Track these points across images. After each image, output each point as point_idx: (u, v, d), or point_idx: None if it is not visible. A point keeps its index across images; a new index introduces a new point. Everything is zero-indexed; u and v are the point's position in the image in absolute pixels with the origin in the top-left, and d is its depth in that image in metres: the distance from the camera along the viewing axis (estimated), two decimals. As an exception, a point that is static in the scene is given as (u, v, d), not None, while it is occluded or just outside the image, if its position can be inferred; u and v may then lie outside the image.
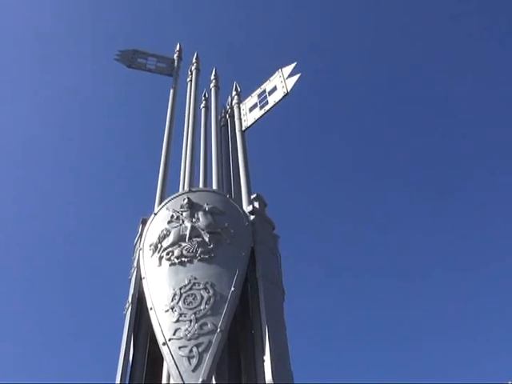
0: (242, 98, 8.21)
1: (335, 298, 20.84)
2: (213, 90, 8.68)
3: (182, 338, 4.48)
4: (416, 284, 19.86)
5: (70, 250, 21.71)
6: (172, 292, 4.88)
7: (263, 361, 4.45)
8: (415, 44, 22.20)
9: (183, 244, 5.31)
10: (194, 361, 4.30)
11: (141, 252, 5.57)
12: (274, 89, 7.63)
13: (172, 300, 4.81)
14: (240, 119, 7.77)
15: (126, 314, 5.23)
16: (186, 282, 4.93)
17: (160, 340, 4.56)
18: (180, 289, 4.88)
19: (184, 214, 5.67)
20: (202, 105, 8.54)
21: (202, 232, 5.38)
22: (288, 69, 7.68)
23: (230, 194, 6.62)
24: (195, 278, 4.95)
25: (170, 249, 5.33)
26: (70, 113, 21.84)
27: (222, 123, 8.18)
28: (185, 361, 4.31)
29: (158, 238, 5.51)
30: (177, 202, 5.90)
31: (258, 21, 23.33)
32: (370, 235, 20.93)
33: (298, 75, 7.47)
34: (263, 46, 22.66)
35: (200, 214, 5.61)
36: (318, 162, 21.75)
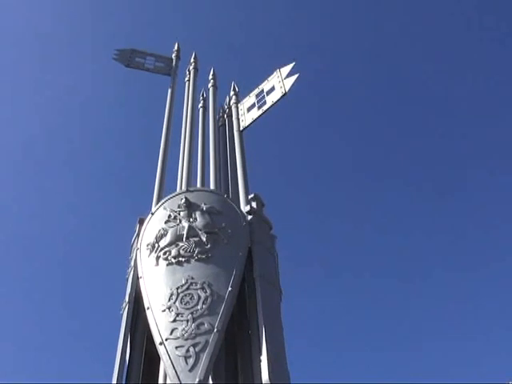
0: (240, 98, 8.20)
1: (335, 298, 20.87)
2: (211, 89, 8.68)
3: (178, 337, 4.48)
4: (416, 284, 19.90)
5: (68, 250, 21.70)
6: (169, 292, 4.88)
7: (260, 361, 4.45)
8: (415, 44, 22.24)
9: (180, 244, 5.31)
10: (191, 361, 4.30)
11: (138, 251, 5.57)
12: (272, 89, 7.63)
13: (169, 300, 4.81)
14: (238, 119, 7.77)
15: (122, 314, 5.23)
16: (183, 282, 4.93)
17: (157, 340, 4.56)
18: (177, 288, 4.88)
19: (181, 213, 5.67)
20: (200, 104, 8.53)
21: (200, 232, 5.38)
22: (286, 69, 7.68)
23: (228, 193, 6.61)
24: (192, 278, 4.95)
25: (167, 248, 5.33)
26: (68, 112, 21.84)
27: (219, 123, 8.17)
28: (182, 361, 4.31)
29: (156, 238, 5.51)
30: (174, 202, 5.90)
31: (256, 20, 23.36)
32: (369, 235, 20.97)
33: (296, 75, 7.47)
34: (262, 45, 22.70)
35: (197, 213, 5.61)
36: (316, 162, 21.79)
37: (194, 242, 5.29)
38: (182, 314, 4.65)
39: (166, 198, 6.10)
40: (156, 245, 5.44)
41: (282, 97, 7.42)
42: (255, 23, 23.80)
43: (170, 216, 5.69)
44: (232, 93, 8.44)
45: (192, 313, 4.64)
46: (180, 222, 5.57)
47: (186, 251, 5.22)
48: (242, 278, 5.04)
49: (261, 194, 6.08)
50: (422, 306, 19.78)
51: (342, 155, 22.09)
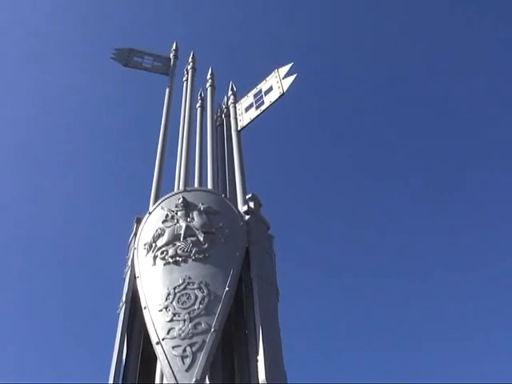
0: (238, 98, 8.21)
1: (335, 298, 20.84)
2: (209, 89, 8.68)
3: (175, 337, 4.47)
4: (416, 284, 19.88)
5: (65, 249, 21.64)
6: (166, 291, 4.87)
7: (257, 361, 4.44)
8: (415, 44, 22.24)
9: (178, 243, 5.30)
10: (188, 360, 4.29)
11: (135, 251, 5.56)
12: (270, 89, 7.63)
13: (166, 299, 4.80)
14: (236, 119, 7.77)
15: (119, 313, 5.22)
16: (180, 282, 4.93)
17: (154, 339, 4.55)
18: (174, 288, 4.88)
19: (179, 213, 5.67)
20: (198, 104, 8.53)
21: (197, 231, 5.38)
22: (284, 69, 7.68)
23: (225, 193, 6.61)
24: (189, 278, 4.95)
25: (164, 248, 5.33)
26: (65, 112, 21.77)
27: (217, 123, 8.17)
28: (178, 360, 4.30)
29: (153, 238, 5.50)
30: (172, 202, 5.89)
31: (255, 20, 23.34)
32: (369, 235, 20.94)
33: (295, 75, 7.48)
34: (260, 45, 22.65)
35: (195, 213, 5.60)
36: (315, 161, 21.74)
37: (192, 241, 5.29)
38: (178, 314, 4.65)
39: (164, 198, 6.10)
40: (153, 244, 5.43)
41: (279, 97, 7.42)
42: (253, 23, 23.79)
43: (167, 216, 5.69)
44: (230, 93, 8.45)
45: (189, 312, 4.64)
46: (177, 221, 5.57)
47: (183, 251, 5.22)
48: (239, 277, 5.04)
49: (258, 193, 6.09)
50: (421, 306, 19.78)
51: (341, 155, 22.07)
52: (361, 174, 21.95)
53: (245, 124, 7.58)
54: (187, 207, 5.71)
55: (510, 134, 21.35)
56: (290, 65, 7.66)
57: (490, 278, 19.86)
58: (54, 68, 22.33)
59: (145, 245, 5.49)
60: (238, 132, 7.55)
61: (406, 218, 21.42)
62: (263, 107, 7.53)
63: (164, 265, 5.17)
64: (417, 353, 19.06)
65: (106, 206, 20.91)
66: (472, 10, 22.03)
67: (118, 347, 4.88)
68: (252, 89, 8.02)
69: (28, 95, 21.94)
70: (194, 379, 4.15)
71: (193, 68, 9.10)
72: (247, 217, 5.70)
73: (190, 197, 5.87)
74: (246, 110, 7.77)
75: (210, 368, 4.37)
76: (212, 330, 4.48)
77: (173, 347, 4.40)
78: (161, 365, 4.40)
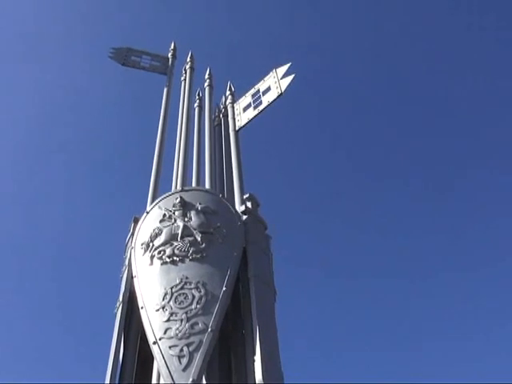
0: (236, 98, 8.21)
1: (335, 298, 20.83)
2: (207, 89, 8.68)
3: (172, 337, 4.47)
4: (416, 284, 19.88)
5: (62, 248, 21.61)
6: (163, 291, 4.87)
7: (254, 361, 4.44)
8: (415, 44, 22.25)
9: (175, 243, 5.30)
10: (185, 360, 4.29)
11: (132, 251, 5.56)
12: (268, 89, 7.63)
13: (163, 299, 4.80)
14: (234, 119, 7.77)
15: (116, 313, 5.21)
16: (178, 282, 4.92)
17: (150, 339, 4.54)
18: (171, 288, 4.87)
19: (176, 213, 5.66)
20: (196, 104, 8.53)
21: (194, 231, 5.37)
22: (282, 69, 7.69)
23: (223, 193, 6.61)
24: (187, 278, 4.94)
25: (161, 248, 5.32)
26: (63, 111, 21.74)
27: (215, 123, 8.17)
28: (175, 360, 4.30)
29: (150, 237, 5.49)
30: (169, 201, 5.89)
31: (253, 20, 23.33)
32: (369, 235, 20.95)
33: (293, 76, 7.48)
34: (258, 45, 22.63)
35: (192, 213, 5.60)
36: (313, 161, 21.73)
37: (189, 241, 5.29)
38: (176, 314, 4.64)
39: (161, 197, 6.09)
40: (150, 244, 5.42)
41: (277, 97, 7.42)
42: (252, 23, 23.77)
43: (164, 215, 5.68)
44: (228, 92, 8.45)
45: (186, 312, 4.63)
46: (175, 221, 5.56)
47: (180, 251, 5.21)
48: (236, 277, 5.04)
49: (256, 194, 6.09)
50: (421, 306, 19.80)
51: (341, 155, 22.06)
52: (360, 173, 21.96)
53: (243, 124, 7.59)
54: (185, 207, 5.70)
55: (509, 133, 21.38)
56: (288, 65, 7.67)
57: (490, 277, 19.89)
58: (51, 67, 22.29)
59: (142, 244, 5.49)
60: (236, 132, 7.55)
61: (405, 218, 21.43)
62: (261, 107, 7.53)
63: (161, 264, 5.17)
64: (417, 353, 19.08)
65: (103, 205, 20.88)
66: (472, 9, 22.06)
67: (114, 347, 4.87)
68: (250, 89, 8.02)
69: (27, 95, 21.91)
70: (190, 379, 4.15)
71: (191, 68, 9.10)
72: (245, 217, 5.69)
73: (187, 196, 5.87)
74: (244, 109, 7.77)
75: (207, 368, 4.36)
76: (209, 329, 4.48)
77: (170, 347, 4.40)
78: (158, 365, 4.40)
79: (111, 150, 22.03)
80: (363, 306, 20.46)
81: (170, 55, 9.56)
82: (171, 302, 4.74)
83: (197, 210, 5.63)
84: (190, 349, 4.35)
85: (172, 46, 9.73)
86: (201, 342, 4.40)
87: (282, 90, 7.38)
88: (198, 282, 4.87)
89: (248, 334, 4.73)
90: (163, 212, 5.73)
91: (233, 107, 8.01)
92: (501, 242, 20.59)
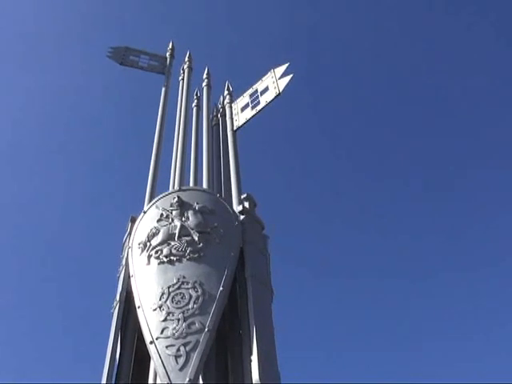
0: (233, 98, 8.21)
1: (335, 298, 20.84)
2: (205, 89, 8.68)
3: (169, 336, 4.47)
4: (416, 284, 19.90)
5: (59, 248, 21.58)
6: (160, 291, 4.87)
7: (250, 360, 4.45)
8: (415, 44, 22.26)
9: (172, 243, 5.30)
10: (181, 360, 4.29)
11: (129, 250, 5.55)
12: (266, 89, 7.64)
13: (160, 299, 4.80)
14: (231, 119, 7.77)
15: (113, 313, 5.21)
16: (175, 281, 4.92)
17: (147, 339, 4.54)
18: (168, 288, 4.87)
19: (174, 212, 5.66)
20: (194, 104, 8.53)
21: (192, 231, 5.37)
22: (280, 69, 7.69)
23: (220, 193, 6.61)
24: (184, 277, 4.94)
25: (158, 247, 5.32)
26: (61, 110, 21.71)
27: (213, 122, 8.17)
28: (172, 360, 4.30)
29: (147, 237, 5.49)
30: (167, 201, 5.89)
31: (251, 20, 23.32)
32: (369, 235, 20.96)
33: (291, 76, 7.48)
34: (256, 45, 22.64)
35: (190, 213, 5.60)
36: (312, 162, 21.74)
37: (186, 241, 5.29)
38: (172, 313, 4.64)
39: (159, 197, 6.09)
40: (148, 243, 5.42)
41: (275, 97, 7.42)
42: (250, 23, 23.77)
43: (162, 215, 5.68)
44: (226, 92, 8.44)
45: (183, 312, 4.63)
46: (172, 220, 5.56)
47: (177, 250, 5.21)
48: (233, 277, 5.04)
49: (253, 194, 6.10)
50: (421, 306, 19.81)
51: (340, 155, 22.06)
52: (360, 173, 21.97)
53: (240, 124, 7.59)
54: (182, 206, 5.70)
55: (509, 133, 21.41)
56: (286, 65, 7.67)
57: (490, 277, 19.92)
58: (50, 67, 22.26)
59: (139, 244, 5.49)
60: (234, 132, 7.55)
61: (405, 218, 21.45)
62: (259, 107, 7.53)
63: (158, 264, 5.16)
64: (417, 353, 19.09)
65: (101, 204, 20.87)
66: (472, 9, 22.10)
67: (111, 346, 4.87)
68: (248, 89, 8.03)
69: (25, 94, 21.87)
70: (187, 379, 4.15)
71: (189, 67, 9.10)
72: (242, 217, 5.70)
73: (185, 196, 5.87)
74: (242, 109, 7.77)
75: (204, 368, 4.36)
76: (206, 329, 4.48)
77: (166, 347, 4.40)
78: (154, 364, 4.40)
79: (109, 149, 22.02)
80: (363, 306, 20.48)
81: (168, 55, 9.56)
82: (168, 302, 4.74)
83: (194, 209, 5.63)
84: (187, 348, 4.35)
85: (170, 46, 9.74)
86: (198, 341, 4.40)
87: (280, 90, 7.38)
88: (195, 282, 4.87)
89: (245, 334, 4.73)
90: (161, 212, 5.73)
91: (231, 107, 8.01)
92: (501, 242, 20.63)
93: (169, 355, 4.33)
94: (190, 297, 4.75)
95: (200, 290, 4.80)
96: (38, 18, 22.60)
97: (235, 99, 8.12)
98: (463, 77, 21.85)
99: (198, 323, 4.53)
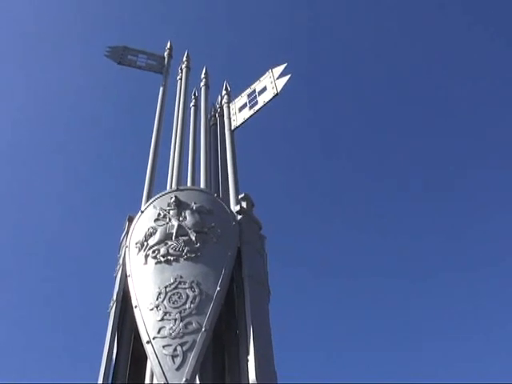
0: (231, 98, 8.21)
1: (335, 298, 20.85)
2: (203, 88, 8.68)
3: (166, 336, 4.46)
4: (416, 284, 19.91)
5: (56, 247, 21.55)
6: (157, 290, 4.86)
7: (247, 360, 4.44)
8: (415, 44, 22.28)
9: (169, 242, 5.29)
10: (178, 360, 4.28)
11: (127, 250, 5.55)
12: (264, 89, 7.64)
13: (157, 298, 4.79)
14: (229, 118, 7.77)
15: (110, 312, 5.20)
16: (172, 281, 4.92)
17: (144, 338, 4.54)
18: (165, 287, 4.87)
19: (171, 212, 5.65)
20: (192, 103, 8.52)
21: (189, 231, 5.37)
22: (278, 69, 7.69)
23: (218, 193, 6.61)
24: (181, 277, 4.94)
25: (156, 247, 5.31)
26: (58, 110, 21.68)
27: (211, 122, 8.17)
28: (169, 360, 4.29)
29: (145, 236, 5.49)
30: (164, 201, 5.88)
31: (250, 20, 23.32)
32: (368, 235, 20.96)
33: (289, 76, 7.49)
34: (255, 45, 22.64)
35: (187, 212, 5.60)
36: (311, 162, 21.74)
37: (184, 240, 5.28)
38: (169, 313, 4.64)
39: (156, 197, 6.08)
40: (145, 243, 5.41)
41: (273, 97, 7.43)
42: (249, 23, 23.77)
43: (159, 214, 5.68)
44: (224, 92, 8.45)
45: (180, 312, 4.63)
46: (169, 220, 5.56)
47: (175, 250, 5.21)
48: (230, 277, 5.04)
49: (251, 193, 6.09)
50: (421, 306, 19.83)
51: (340, 155, 22.05)
52: (360, 173, 21.98)
53: (238, 124, 7.59)
54: (179, 206, 5.70)
55: (509, 133, 21.44)
56: (284, 65, 7.67)
57: (490, 277, 19.94)
58: (47, 66, 22.22)
59: (136, 243, 5.48)
60: (232, 132, 7.55)
61: (405, 218, 21.46)
62: (257, 107, 7.54)
63: (155, 264, 5.16)
64: (417, 353, 19.11)
65: (98, 204, 20.84)
66: (472, 9, 22.13)
67: (108, 346, 4.86)
68: (246, 89, 8.03)
69: (23, 94, 21.83)
70: (184, 379, 4.14)
71: (187, 67, 9.10)
72: (239, 217, 5.70)
73: (182, 196, 5.86)
74: (240, 109, 7.77)
75: (201, 368, 4.36)
76: (203, 329, 4.48)
77: (163, 346, 4.39)
78: (151, 364, 4.39)
79: (107, 148, 22.01)
80: (363, 306, 20.48)
81: (166, 54, 9.55)
82: (165, 302, 4.74)
83: (192, 209, 5.63)
84: (184, 348, 4.35)
85: (168, 45, 9.72)
86: (194, 341, 4.39)
87: (278, 91, 7.38)
88: (193, 282, 4.87)
89: (242, 334, 4.73)
90: (158, 211, 5.72)
91: (228, 107, 8.00)
92: (501, 242, 20.66)
93: (166, 355, 4.32)
94: (187, 296, 4.75)
95: (197, 290, 4.79)
96: (38, 18, 22.58)
97: (233, 99, 8.12)
98: (463, 77, 21.90)
99: (195, 323, 4.53)
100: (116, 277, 5.54)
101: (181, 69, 9.12)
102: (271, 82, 7.58)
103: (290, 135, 21.96)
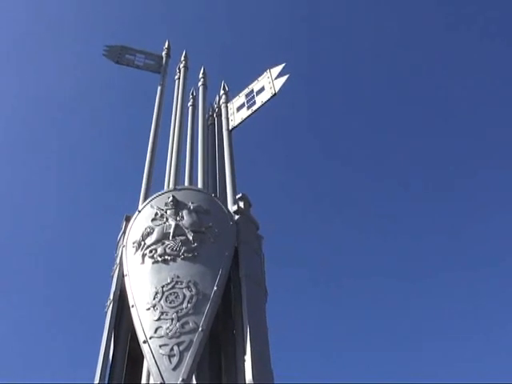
0: (229, 98, 8.21)
1: (335, 299, 20.86)
2: (201, 88, 8.67)
3: (163, 336, 4.46)
4: (416, 284, 19.92)
5: (53, 247, 21.51)
6: (154, 290, 4.86)
7: (244, 360, 4.44)
8: (415, 44, 22.30)
9: (167, 242, 5.29)
10: (175, 359, 4.28)
11: (124, 249, 5.54)
12: (262, 89, 7.64)
13: (154, 298, 4.78)
14: (227, 118, 7.77)
15: (107, 312, 5.20)
16: (169, 281, 4.91)
17: (141, 338, 4.53)
18: (162, 287, 4.86)
19: (168, 212, 5.65)
20: (190, 103, 8.52)
21: (186, 230, 5.37)
22: (277, 69, 7.69)
23: (215, 193, 6.61)
24: (178, 277, 4.94)
25: (153, 247, 5.31)
26: (56, 109, 21.65)
27: (209, 122, 8.17)
28: (165, 359, 4.29)
29: (142, 236, 5.48)
30: (161, 200, 5.88)
31: (248, 20, 23.31)
32: (368, 235, 20.97)
33: (287, 76, 7.49)
34: (253, 45, 22.63)
35: (184, 212, 5.59)
36: (310, 162, 21.72)
37: (181, 240, 5.28)
38: (166, 313, 4.63)
39: (154, 196, 6.08)
40: (142, 243, 5.41)
41: (271, 97, 7.43)
42: (247, 22, 23.76)
43: (156, 214, 5.67)
44: (222, 92, 8.45)
45: (177, 311, 4.62)
46: (167, 220, 5.55)
47: (172, 250, 5.20)
48: (227, 277, 5.04)
49: (248, 194, 6.10)
50: (421, 306, 19.84)
51: (340, 155, 22.05)
52: (360, 173, 21.97)
53: (236, 124, 7.59)
54: (177, 206, 5.69)
55: (510, 133, 21.47)
56: (283, 65, 7.67)
57: (490, 277, 19.96)
58: (45, 65, 22.18)
59: (133, 243, 5.47)
60: (230, 131, 7.55)
61: (405, 218, 21.47)
62: (255, 107, 7.54)
63: (152, 263, 5.15)
64: (417, 353, 19.11)
65: (95, 203, 20.82)
66: (472, 9, 22.15)
67: (104, 346, 4.85)
68: (244, 89, 8.03)
69: (20, 93, 21.79)
70: (180, 378, 4.14)
71: (185, 67, 9.09)
72: (237, 217, 5.70)
73: (179, 196, 5.86)
74: (238, 109, 7.77)
75: (197, 367, 4.36)
76: (200, 329, 4.48)
77: (160, 346, 4.39)
78: (148, 364, 4.38)
79: (104, 148, 21.97)
80: (363, 306, 20.47)
81: (164, 54, 9.55)
82: (162, 301, 4.73)
83: (189, 209, 5.63)
84: (181, 348, 4.35)
85: (166, 45, 9.71)
86: (191, 341, 4.39)
87: (276, 91, 7.38)
88: (190, 282, 4.87)
89: (238, 334, 4.73)
90: (155, 211, 5.72)
91: (226, 107, 8.00)
92: (501, 242, 20.68)
93: (162, 355, 4.32)
94: (184, 296, 4.74)
95: (194, 290, 4.79)
96: (36, 17, 22.54)
97: (231, 99, 8.12)
98: (463, 77, 21.91)
99: (192, 323, 4.52)
100: (113, 276, 5.53)
101: (179, 68, 9.12)
102: (269, 82, 7.58)
103: (288, 135, 21.96)
